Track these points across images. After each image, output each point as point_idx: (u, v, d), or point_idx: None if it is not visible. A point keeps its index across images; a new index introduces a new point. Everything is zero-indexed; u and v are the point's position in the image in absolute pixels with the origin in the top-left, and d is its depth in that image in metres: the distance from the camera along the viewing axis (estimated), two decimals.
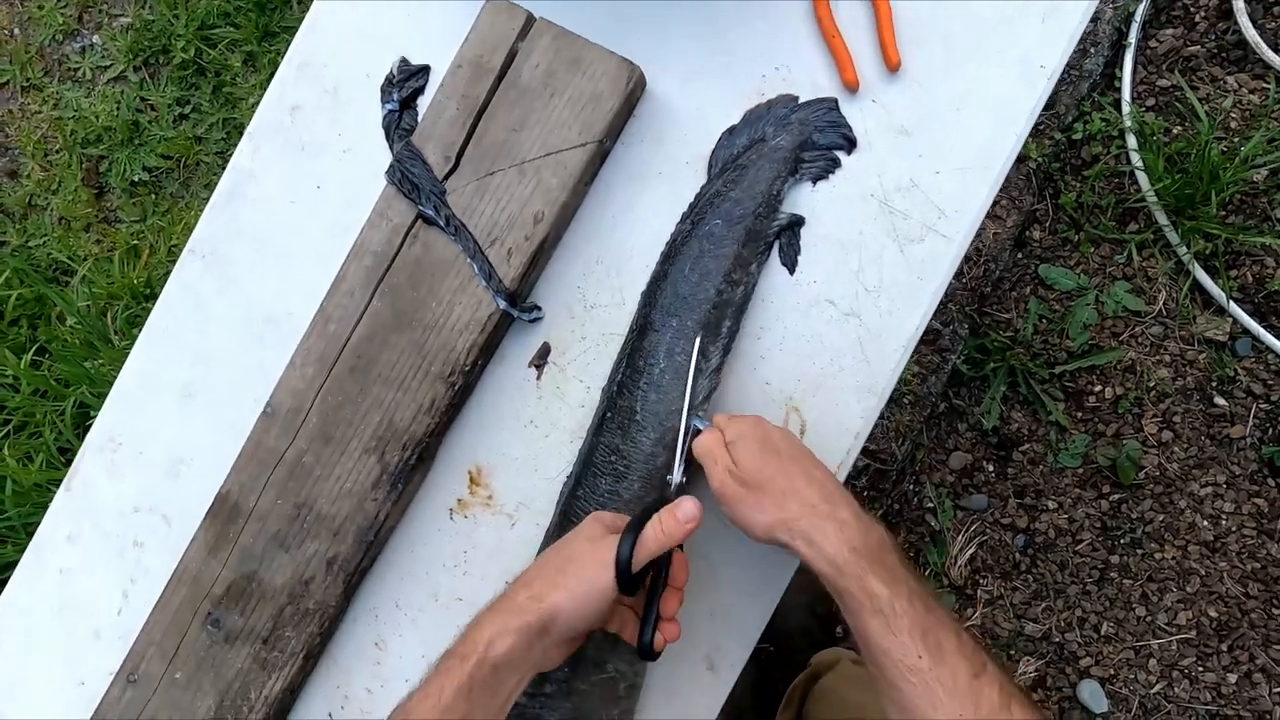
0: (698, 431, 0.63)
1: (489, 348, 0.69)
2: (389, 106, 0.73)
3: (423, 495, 0.71)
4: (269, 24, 1.66)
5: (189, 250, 0.76)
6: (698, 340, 0.66)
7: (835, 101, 0.68)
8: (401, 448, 0.68)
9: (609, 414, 0.68)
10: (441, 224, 0.68)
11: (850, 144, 0.68)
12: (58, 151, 1.72)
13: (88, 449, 0.76)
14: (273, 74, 1.69)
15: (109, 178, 1.71)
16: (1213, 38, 1.48)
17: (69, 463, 1.55)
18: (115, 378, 1.59)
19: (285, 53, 1.67)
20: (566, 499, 0.69)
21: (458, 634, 0.57)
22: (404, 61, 0.73)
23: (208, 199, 1.78)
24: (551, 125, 0.67)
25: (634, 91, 0.68)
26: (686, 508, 0.57)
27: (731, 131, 0.70)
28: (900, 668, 0.50)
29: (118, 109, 1.70)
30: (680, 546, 0.60)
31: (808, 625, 1.45)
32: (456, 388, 0.68)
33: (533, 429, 0.70)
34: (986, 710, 0.48)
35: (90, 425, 1.62)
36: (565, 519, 0.68)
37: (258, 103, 1.73)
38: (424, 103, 0.73)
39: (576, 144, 0.67)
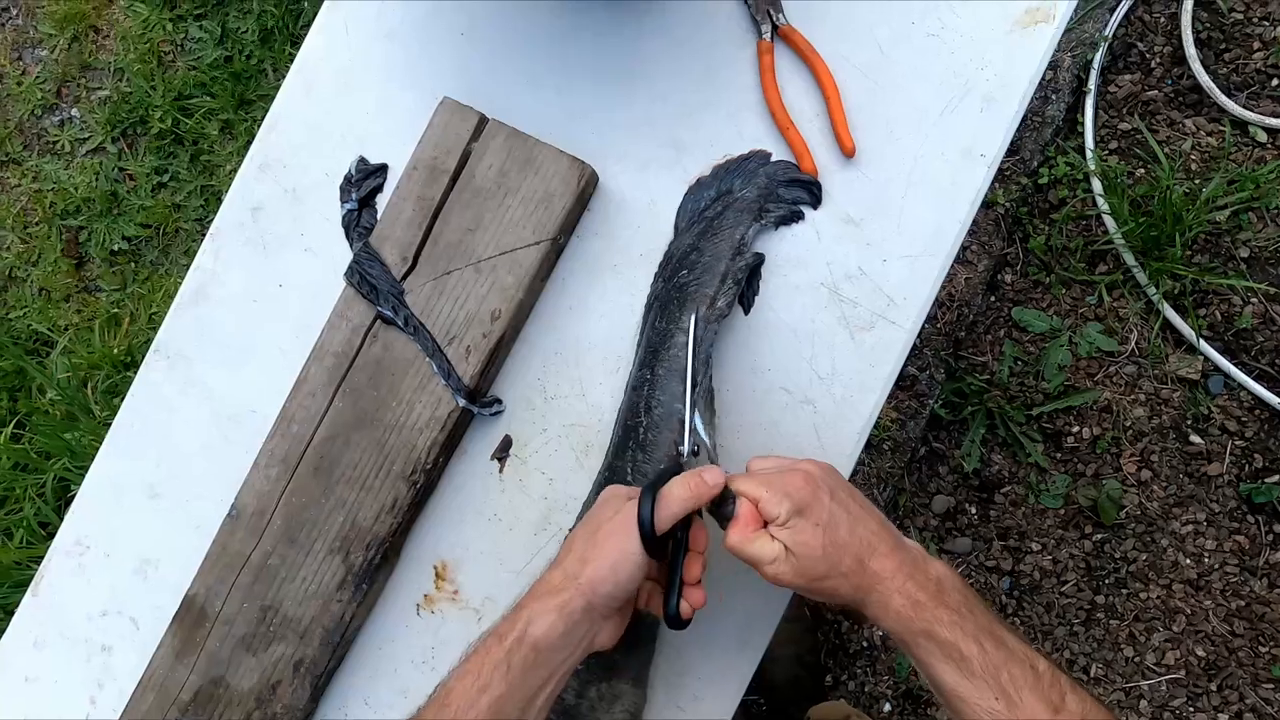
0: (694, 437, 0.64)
1: (450, 445, 0.70)
2: (348, 206, 0.74)
3: (389, 591, 0.72)
4: (244, 92, 1.69)
5: (154, 350, 0.77)
6: (693, 318, 0.66)
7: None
8: (366, 548, 0.68)
9: (608, 475, 0.69)
10: (400, 324, 0.69)
11: (815, 200, 0.69)
12: (37, 223, 1.74)
13: (55, 553, 0.76)
14: (249, 141, 1.71)
15: (88, 248, 1.72)
16: (1169, 82, 1.51)
17: (50, 536, 1.55)
18: (96, 450, 1.59)
19: (261, 120, 1.69)
20: None
21: (500, 618, 0.57)
22: (362, 160, 0.75)
23: (187, 265, 1.79)
24: (506, 225, 0.69)
25: (586, 189, 0.70)
26: (716, 476, 0.57)
27: (700, 183, 0.71)
28: (978, 711, 0.50)
29: (96, 180, 1.71)
30: (700, 514, 0.60)
31: (797, 676, 1.44)
32: (419, 486, 0.68)
33: (497, 522, 0.71)
34: None
35: (71, 499, 1.61)
36: None
37: (235, 170, 1.74)
38: (383, 200, 0.74)
39: (531, 242, 0.68)
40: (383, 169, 0.74)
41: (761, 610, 0.67)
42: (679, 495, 0.56)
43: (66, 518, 0.77)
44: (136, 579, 0.75)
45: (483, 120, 0.70)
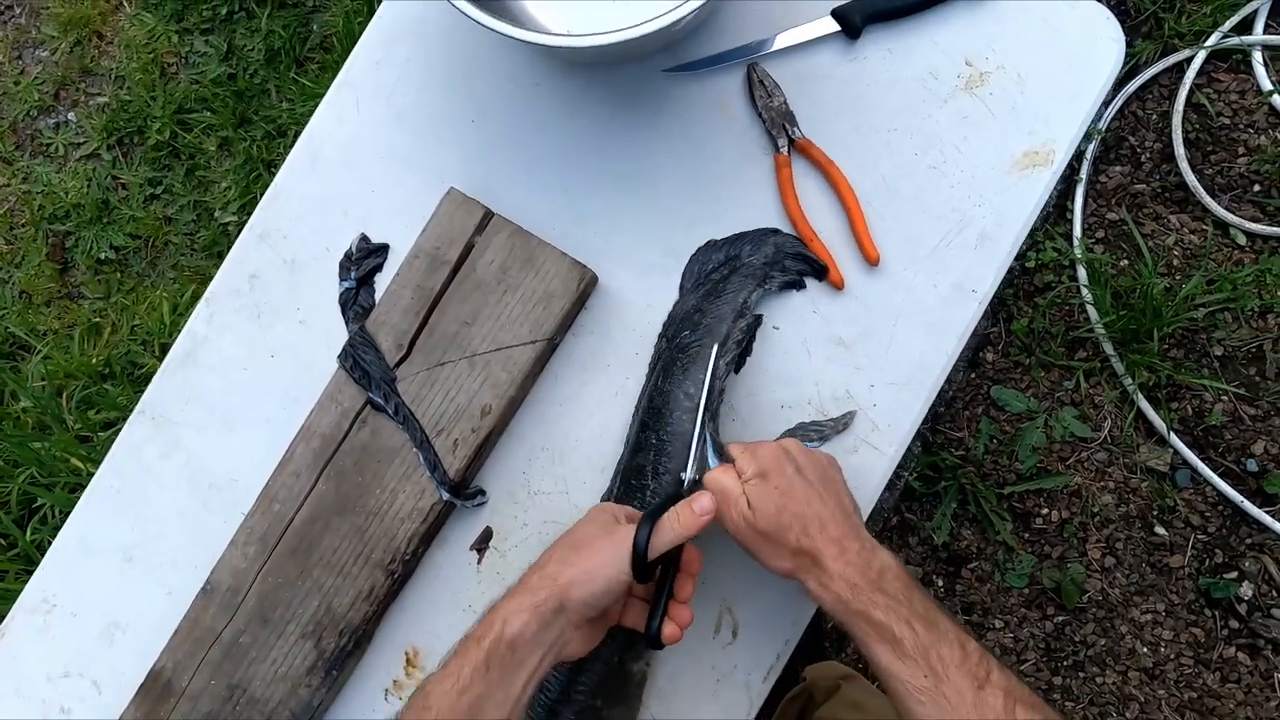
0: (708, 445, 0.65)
1: (430, 535, 0.70)
2: (346, 283, 0.74)
3: (359, 673, 0.72)
4: (245, 111, 1.68)
5: (139, 411, 0.76)
6: (715, 348, 0.68)
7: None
8: (339, 634, 0.68)
9: None
10: (390, 412, 0.69)
11: (819, 274, 0.70)
12: (23, 225, 1.72)
13: (19, 609, 0.75)
14: (246, 160, 1.69)
15: (74, 254, 1.71)
16: (1157, 178, 1.55)
17: (10, 548, 1.52)
18: (66, 462, 1.55)
19: (259, 140, 1.67)
20: None
21: (476, 620, 0.58)
22: (363, 238, 0.75)
23: (174, 279, 1.77)
24: (503, 321, 0.69)
25: (585, 291, 0.70)
26: (703, 501, 0.59)
27: (709, 245, 0.72)
28: (909, 688, 0.53)
29: (88, 186, 1.70)
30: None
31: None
32: (396, 576, 0.68)
33: (471, 613, 0.71)
34: (991, 718, 0.52)
35: (36, 510, 1.58)
36: None
37: (229, 188, 1.73)
38: (381, 281, 0.74)
39: (526, 341, 0.69)
40: (383, 249, 0.75)
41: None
42: (670, 527, 0.59)
43: (35, 574, 0.76)
44: (102, 642, 0.74)
45: (488, 215, 0.71)
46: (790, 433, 0.69)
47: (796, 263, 0.71)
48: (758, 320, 0.71)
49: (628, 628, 0.63)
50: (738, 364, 0.71)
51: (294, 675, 0.68)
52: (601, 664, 0.65)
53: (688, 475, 0.65)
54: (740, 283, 0.70)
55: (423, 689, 0.56)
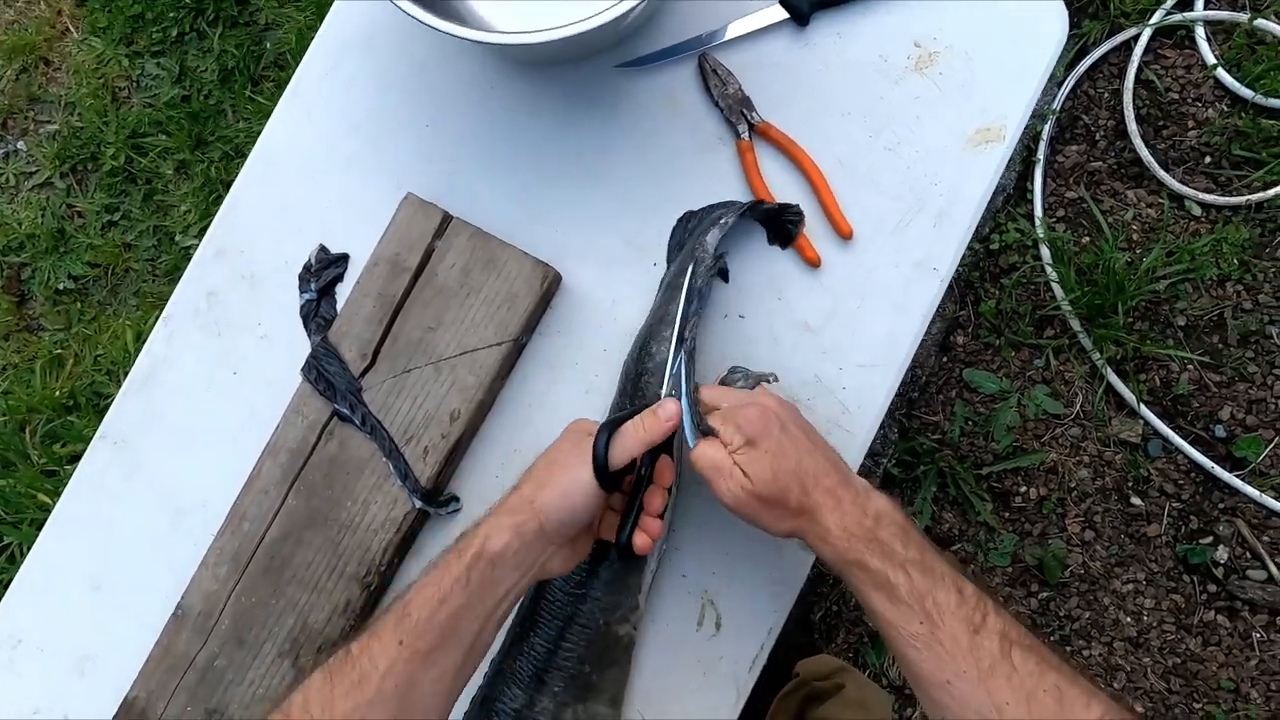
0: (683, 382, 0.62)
1: (405, 545, 0.69)
2: (306, 295, 0.73)
3: None
4: (201, 133, 1.66)
5: (100, 436, 0.75)
6: (690, 268, 0.66)
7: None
8: (316, 651, 0.67)
9: None
10: (357, 422, 0.68)
11: (794, 222, 0.70)
12: None
13: None
14: (205, 183, 1.67)
15: (31, 285, 1.67)
16: (1112, 154, 1.57)
17: None
18: (32, 498, 1.52)
19: (217, 161, 1.64)
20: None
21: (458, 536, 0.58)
22: (322, 249, 0.74)
23: (136, 306, 1.74)
24: (468, 325, 0.69)
25: (549, 291, 0.70)
26: (668, 407, 0.59)
27: (686, 217, 0.72)
28: (904, 634, 0.53)
29: (43, 216, 1.67)
30: (670, 453, 0.62)
31: (787, 632, 1.44)
32: (372, 588, 0.67)
33: None
34: (987, 662, 0.51)
35: (4, 550, 1.54)
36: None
37: (189, 211, 1.70)
38: (342, 291, 0.73)
39: (492, 343, 0.68)
40: (343, 259, 0.74)
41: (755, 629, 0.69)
42: (632, 433, 0.58)
43: None
44: (73, 676, 0.72)
45: (446, 218, 0.70)
46: (726, 378, 0.68)
47: (764, 216, 0.70)
48: (719, 258, 0.69)
49: (609, 579, 0.63)
50: (724, 276, 0.70)
51: (273, 696, 0.67)
52: (587, 628, 0.65)
53: (664, 393, 0.63)
54: (699, 232, 0.70)
55: (402, 597, 0.55)
